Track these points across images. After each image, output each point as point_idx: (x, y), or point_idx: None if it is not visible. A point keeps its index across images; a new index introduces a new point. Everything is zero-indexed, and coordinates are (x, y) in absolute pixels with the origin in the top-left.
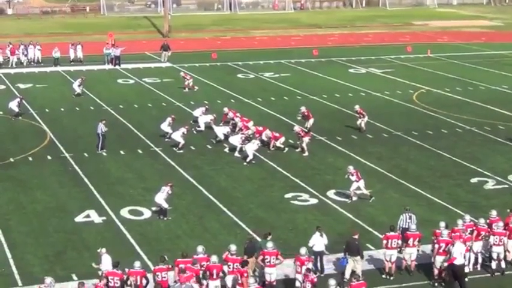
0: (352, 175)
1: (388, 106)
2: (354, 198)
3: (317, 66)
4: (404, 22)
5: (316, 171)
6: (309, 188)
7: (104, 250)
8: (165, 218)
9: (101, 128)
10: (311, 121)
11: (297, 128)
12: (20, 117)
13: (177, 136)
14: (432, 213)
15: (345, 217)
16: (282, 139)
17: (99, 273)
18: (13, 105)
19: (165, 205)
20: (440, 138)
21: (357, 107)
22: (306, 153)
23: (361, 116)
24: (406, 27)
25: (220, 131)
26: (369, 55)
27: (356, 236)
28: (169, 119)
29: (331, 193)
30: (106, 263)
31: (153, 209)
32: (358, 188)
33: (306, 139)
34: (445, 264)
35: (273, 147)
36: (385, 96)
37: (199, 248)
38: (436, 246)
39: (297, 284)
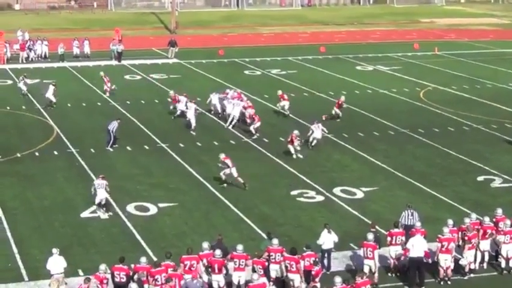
0: (224, 162)
1: (394, 104)
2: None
3: (324, 63)
4: (412, 19)
5: (322, 168)
6: (315, 185)
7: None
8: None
9: (114, 126)
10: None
11: (296, 131)
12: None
13: (191, 115)
14: (438, 211)
15: (351, 214)
16: (257, 124)
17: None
18: (49, 94)
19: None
20: (447, 136)
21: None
22: (296, 156)
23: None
24: (414, 24)
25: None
26: (376, 52)
27: (374, 229)
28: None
29: (337, 190)
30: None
31: (97, 205)
32: (231, 175)
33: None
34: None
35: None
36: (392, 94)
37: (205, 244)
38: (439, 245)
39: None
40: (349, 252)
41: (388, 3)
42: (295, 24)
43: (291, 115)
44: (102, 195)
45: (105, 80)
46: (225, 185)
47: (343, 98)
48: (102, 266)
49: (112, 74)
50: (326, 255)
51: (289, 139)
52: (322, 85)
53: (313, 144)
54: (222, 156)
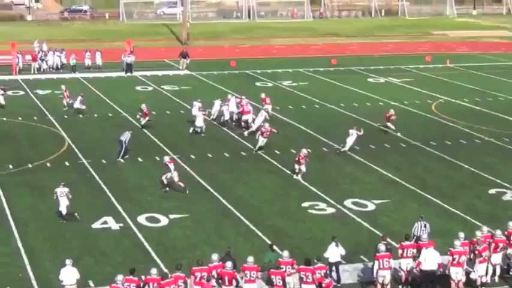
0: (167, 165)
1: (406, 116)
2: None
3: (335, 75)
4: (424, 32)
5: (333, 180)
6: (327, 197)
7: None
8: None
9: (127, 137)
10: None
11: (304, 151)
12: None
13: (200, 122)
14: (450, 224)
15: (362, 227)
16: (247, 116)
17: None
18: (77, 104)
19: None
20: (458, 148)
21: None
22: (296, 177)
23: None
24: (425, 37)
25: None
26: (388, 64)
27: (385, 241)
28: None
29: (348, 202)
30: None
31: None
32: (172, 179)
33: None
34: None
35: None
36: (404, 106)
37: (214, 256)
38: (450, 258)
39: None
40: (360, 264)
41: (400, 16)
42: (307, 36)
43: (293, 122)
44: (64, 203)
45: (65, 95)
46: (167, 189)
47: (391, 111)
48: (120, 277)
49: (124, 85)
50: (334, 268)
51: (296, 158)
52: (334, 97)
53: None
54: (167, 159)
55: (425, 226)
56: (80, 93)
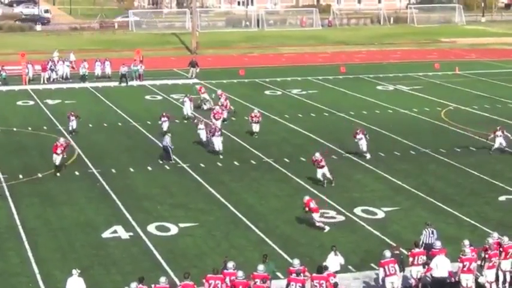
0: (320, 161)
1: (415, 123)
2: (326, 182)
3: (345, 83)
4: (432, 39)
5: (343, 188)
6: (336, 205)
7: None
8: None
9: (167, 140)
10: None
11: (318, 154)
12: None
13: (203, 135)
14: (460, 231)
15: (372, 234)
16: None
17: None
18: (74, 125)
19: None
20: (468, 155)
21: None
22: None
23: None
24: (434, 44)
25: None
26: (397, 72)
27: (397, 252)
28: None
29: (358, 210)
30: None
31: None
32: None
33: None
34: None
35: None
36: (413, 114)
37: (230, 264)
38: (460, 265)
39: None
40: (370, 272)
41: (409, 23)
42: (316, 45)
43: (302, 130)
44: None
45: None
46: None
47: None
48: (133, 285)
49: (133, 94)
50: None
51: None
52: (343, 105)
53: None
54: None
55: (432, 233)
56: (71, 112)
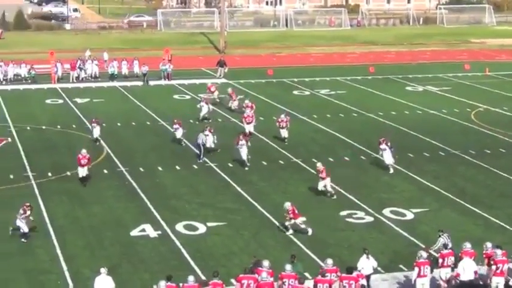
0: (321, 172)
1: (445, 124)
2: (329, 195)
3: (373, 84)
4: (462, 40)
5: (371, 189)
6: (365, 206)
7: (102, 270)
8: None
9: (202, 138)
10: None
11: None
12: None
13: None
14: (489, 233)
15: (400, 236)
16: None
17: None
18: (96, 133)
19: (24, 228)
20: (498, 157)
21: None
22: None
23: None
24: (464, 45)
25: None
26: (426, 73)
27: (428, 253)
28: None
29: (387, 211)
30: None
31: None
32: (325, 186)
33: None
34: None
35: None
36: (442, 115)
37: (266, 263)
38: (494, 267)
39: None
40: (398, 273)
41: (438, 24)
42: (344, 45)
43: (330, 130)
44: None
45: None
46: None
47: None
48: (162, 283)
49: (161, 93)
50: (366, 280)
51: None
52: (372, 105)
53: None
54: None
55: (448, 237)
56: (93, 118)
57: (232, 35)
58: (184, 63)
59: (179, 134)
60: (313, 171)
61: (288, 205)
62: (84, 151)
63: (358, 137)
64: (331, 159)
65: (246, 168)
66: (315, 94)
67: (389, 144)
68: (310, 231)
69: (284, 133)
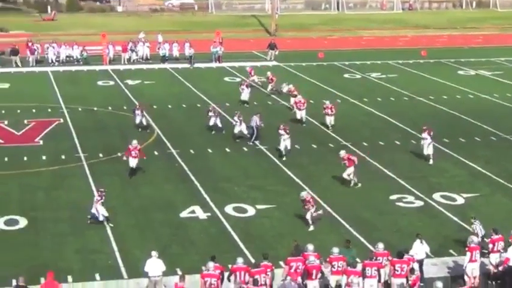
0: (345, 160)
1: (497, 109)
2: (352, 184)
3: (425, 68)
4: None
5: (422, 173)
6: (415, 191)
7: (153, 253)
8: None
9: (256, 121)
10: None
11: (342, 153)
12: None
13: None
14: None
15: (451, 221)
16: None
17: None
18: (138, 119)
19: (103, 212)
20: None
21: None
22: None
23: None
24: None
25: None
26: (479, 57)
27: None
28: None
29: (437, 196)
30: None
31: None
32: (351, 173)
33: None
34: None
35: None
36: (494, 99)
37: (310, 247)
38: None
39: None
40: (448, 258)
41: (492, 8)
42: (396, 28)
43: (381, 114)
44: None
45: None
46: (359, 185)
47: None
48: (211, 264)
49: (212, 76)
50: (418, 265)
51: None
52: (423, 89)
53: None
54: (343, 153)
55: (480, 224)
56: (136, 106)
57: (284, 18)
58: (235, 45)
59: (212, 121)
60: (363, 154)
61: (304, 194)
62: (134, 142)
63: (408, 121)
64: (381, 143)
65: (284, 159)
66: (365, 77)
67: (431, 134)
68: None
69: (330, 120)
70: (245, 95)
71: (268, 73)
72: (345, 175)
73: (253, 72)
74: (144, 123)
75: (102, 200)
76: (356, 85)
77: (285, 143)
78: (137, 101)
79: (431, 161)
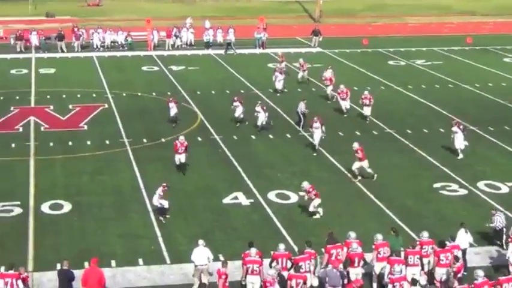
0: (357, 152)
1: None
2: (359, 178)
3: (470, 55)
4: None
5: (466, 161)
6: (459, 179)
7: (200, 242)
8: (162, 218)
9: (301, 107)
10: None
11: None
12: None
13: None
14: None
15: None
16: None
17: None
18: (174, 111)
19: (164, 204)
20: None
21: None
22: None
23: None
24: None
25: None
26: None
27: None
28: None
29: (481, 184)
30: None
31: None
32: (362, 168)
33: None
34: None
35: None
36: None
37: (353, 234)
38: None
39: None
40: (492, 248)
41: None
42: (441, 15)
43: (425, 101)
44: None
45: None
46: (376, 176)
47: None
48: (253, 250)
49: (256, 62)
50: (461, 254)
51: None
52: (468, 77)
53: None
54: (356, 146)
55: (501, 216)
56: (169, 98)
57: (328, 4)
58: (279, 31)
59: (238, 112)
60: (406, 142)
61: (306, 184)
62: (181, 138)
63: (453, 109)
64: (425, 131)
65: (315, 154)
66: (410, 64)
67: (461, 127)
68: (321, 212)
69: (367, 111)
70: (278, 83)
71: (301, 60)
72: (354, 167)
73: (284, 58)
74: (177, 115)
75: (164, 195)
76: (401, 72)
77: (318, 135)
78: (181, 87)
79: (460, 155)
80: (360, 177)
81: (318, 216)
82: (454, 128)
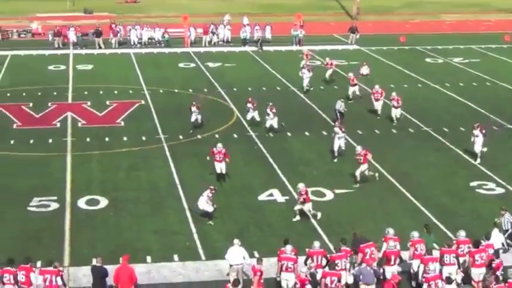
0: (361, 156)
1: None
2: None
3: (508, 53)
4: None
5: (504, 160)
6: (496, 178)
7: (236, 241)
8: (210, 222)
9: (340, 105)
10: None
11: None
12: None
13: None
14: None
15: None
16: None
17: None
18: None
19: (209, 209)
20: None
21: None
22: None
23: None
24: None
25: None
26: None
27: None
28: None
29: None
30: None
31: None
32: (366, 170)
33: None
34: None
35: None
36: None
37: (391, 231)
38: None
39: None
40: None
41: None
42: (479, 12)
43: (462, 99)
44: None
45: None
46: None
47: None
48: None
49: (292, 59)
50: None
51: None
52: (506, 75)
53: None
54: (359, 149)
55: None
56: (192, 103)
57: (365, 1)
58: (316, 29)
59: (249, 115)
60: (443, 140)
61: (301, 186)
62: (219, 145)
63: (490, 107)
64: (462, 129)
65: (335, 160)
66: (448, 62)
67: (484, 131)
68: (319, 215)
69: (396, 112)
70: (306, 80)
71: (327, 59)
72: (357, 173)
73: (309, 56)
74: (199, 121)
75: (211, 197)
76: (438, 70)
77: (339, 142)
78: (218, 83)
79: (478, 160)
80: (358, 185)
81: (319, 217)
82: (476, 132)
